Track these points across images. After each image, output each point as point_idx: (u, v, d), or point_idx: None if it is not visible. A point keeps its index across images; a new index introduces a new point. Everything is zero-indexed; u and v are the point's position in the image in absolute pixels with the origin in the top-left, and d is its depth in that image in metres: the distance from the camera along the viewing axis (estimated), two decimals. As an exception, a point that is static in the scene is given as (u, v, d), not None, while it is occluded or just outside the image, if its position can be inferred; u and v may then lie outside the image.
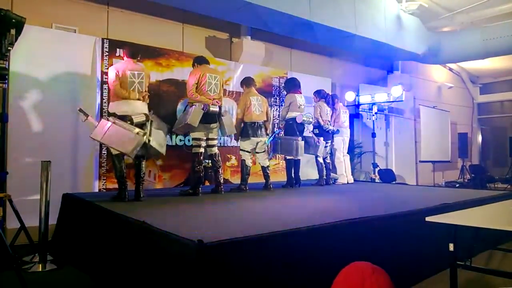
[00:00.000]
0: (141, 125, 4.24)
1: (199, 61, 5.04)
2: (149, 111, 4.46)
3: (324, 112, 6.37)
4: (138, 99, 4.33)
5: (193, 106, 4.71)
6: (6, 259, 2.88)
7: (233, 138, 6.48)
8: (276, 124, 7.04)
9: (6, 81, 3.73)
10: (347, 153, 7.08)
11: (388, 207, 3.90)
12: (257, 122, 5.48)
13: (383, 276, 1.32)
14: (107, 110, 4.40)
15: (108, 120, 4.11)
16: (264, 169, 5.61)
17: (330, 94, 7.01)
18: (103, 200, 4.10)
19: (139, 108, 4.34)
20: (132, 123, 4.17)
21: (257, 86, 5.96)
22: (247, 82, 5.71)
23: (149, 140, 4.21)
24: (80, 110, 4.23)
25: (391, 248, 3.14)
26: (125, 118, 4.20)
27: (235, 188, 5.49)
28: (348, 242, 2.93)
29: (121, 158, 4.34)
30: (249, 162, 5.53)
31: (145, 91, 4.46)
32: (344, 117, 6.90)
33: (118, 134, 4.05)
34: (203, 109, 4.70)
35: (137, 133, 4.08)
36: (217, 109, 4.86)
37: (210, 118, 4.85)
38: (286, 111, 5.94)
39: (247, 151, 5.51)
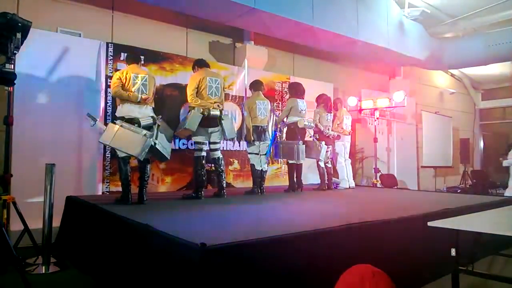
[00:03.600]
0: (148, 128, 4.27)
1: (200, 64, 5.04)
2: (157, 115, 4.49)
3: (323, 118, 6.37)
4: (140, 102, 4.36)
5: (193, 110, 4.73)
6: (10, 261, 2.90)
7: (235, 142, 6.52)
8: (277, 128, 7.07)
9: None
10: (348, 157, 7.09)
11: (390, 212, 3.90)
12: (261, 126, 5.52)
13: (383, 279, 1.33)
14: (115, 114, 4.41)
15: (115, 123, 4.14)
16: (261, 172, 5.64)
17: (333, 98, 7.04)
18: (107, 203, 4.12)
19: (145, 111, 4.37)
20: (139, 125, 4.21)
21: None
22: (255, 85, 5.74)
23: (155, 143, 4.23)
24: (89, 115, 4.28)
25: (393, 252, 3.14)
26: (132, 120, 4.23)
27: (248, 191, 5.57)
28: (350, 246, 2.93)
29: (127, 161, 4.37)
30: (258, 166, 5.55)
31: (151, 95, 4.48)
32: (347, 122, 6.92)
33: (126, 136, 4.08)
34: (202, 113, 4.72)
35: (145, 135, 4.11)
36: (217, 113, 4.87)
37: (211, 122, 4.86)
38: (285, 115, 5.95)
39: (255, 153, 5.54)
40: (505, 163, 8.74)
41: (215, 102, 4.86)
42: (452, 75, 12.39)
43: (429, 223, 2.67)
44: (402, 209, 4.26)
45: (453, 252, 2.57)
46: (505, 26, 8.59)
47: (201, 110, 4.73)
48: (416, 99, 10.57)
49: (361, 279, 1.32)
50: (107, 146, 5.08)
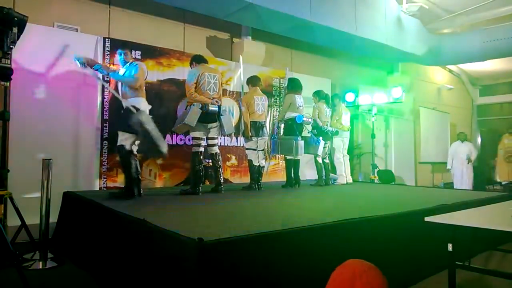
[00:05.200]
0: None
1: (198, 60, 5.03)
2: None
3: (323, 114, 6.38)
4: None
5: (192, 106, 4.72)
6: (7, 256, 2.89)
7: (233, 137, 6.52)
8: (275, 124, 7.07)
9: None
10: (347, 153, 7.10)
11: (387, 207, 3.91)
12: (259, 122, 5.52)
13: (376, 274, 1.33)
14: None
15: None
16: (258, 168, 5.63)
17: (330, 94, 7.05)
18: (104, 198, 4.11)
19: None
20: None
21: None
22: (253, 81, 5.72)
23: None
24: (77, 59, 4.40)
25: (390, 248, 3.16)
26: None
27: (246, 186, 5.56)
28: (347, 241, 2.94)
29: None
30: (256, 161, 5.54)
31: None
32: (345, 118, 6.92)
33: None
34: (201, 109, 4.72)
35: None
36: (216, 108, 4.86)
37: (209, 117, 4.86)
38: (285, 111, 5.95)
39: (253, 149, 5.53)
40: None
41: (213, 98, 4.86)
42: (450, 71, 12.40)
43: (426, 219, 2.68)
44: (399, 205, 4.27)
45: (450, 247, 2.58)
46: (502, 22, 8.60)
47: (200, 105, 4.73)
48: (414, 95, 10.58)
49: (352, 274, 1.32)
50: (104, 142, 5.11)
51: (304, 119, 5.88)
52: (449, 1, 8.22)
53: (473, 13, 8.58)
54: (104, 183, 5.29)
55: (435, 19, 9.02)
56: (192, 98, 4.75)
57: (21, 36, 3.87)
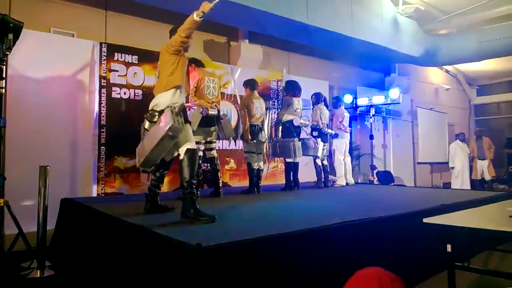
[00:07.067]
0: None
1: (197, 63, 5.02)
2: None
3: (324, 115, 6.39)
4: None
5: (192, 110, 4.71)
6: (4, 265, 2.88)
7: (232, 141, 6.49)
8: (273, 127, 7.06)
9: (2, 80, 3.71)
10: (348, 154, 7.12)
11: (386, 209, 3.90)
12: (258, 125, 5.51)
13: (401, 285, 1.29)
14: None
15: None
16: (257, 171, 5.62)
17: (328, 96, 7.07)
18: (102, 205, 4.09)
19: None
20: None
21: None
22: (251, 84, 5.71)
23: None
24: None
25: (389, 249, 3.15)
26: None
27: (245, 190, 5.54)
28: (346, 244, 2.93)
29: None
30: (255, 164, 5.53)
31: None
32: (346, 119, 6.94)
33: None
34: (201, 113, 4.71)
35: None
36: (215, 112, 4.86)
37: (209, 121, 4.85)
38: (283, 114, 5.94)
39: (252, 152, 5.51)
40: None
41: (213, 102, 4.86)
42: (447, 71, 12.43)
43: (425, 220, 2.67)
44: (398, 206, 4.26)
45: (449, 248, 2.57)
46: (498, 22, 8.64)
47: (200, 109, 4.72)
48: (411, 96, 10.60)
49: (378, 284, 1.28)
50: (102, 148, 5.09)
51: (301, 121, 5.87)
52: (444, 2, 8.24)
53: (469, 13, 8.60)
54: (102, 189, 5.27)
55: (431, 20, 9.04)
56: (192, 102, 4.75)
57: (17, 42, 3.85)
